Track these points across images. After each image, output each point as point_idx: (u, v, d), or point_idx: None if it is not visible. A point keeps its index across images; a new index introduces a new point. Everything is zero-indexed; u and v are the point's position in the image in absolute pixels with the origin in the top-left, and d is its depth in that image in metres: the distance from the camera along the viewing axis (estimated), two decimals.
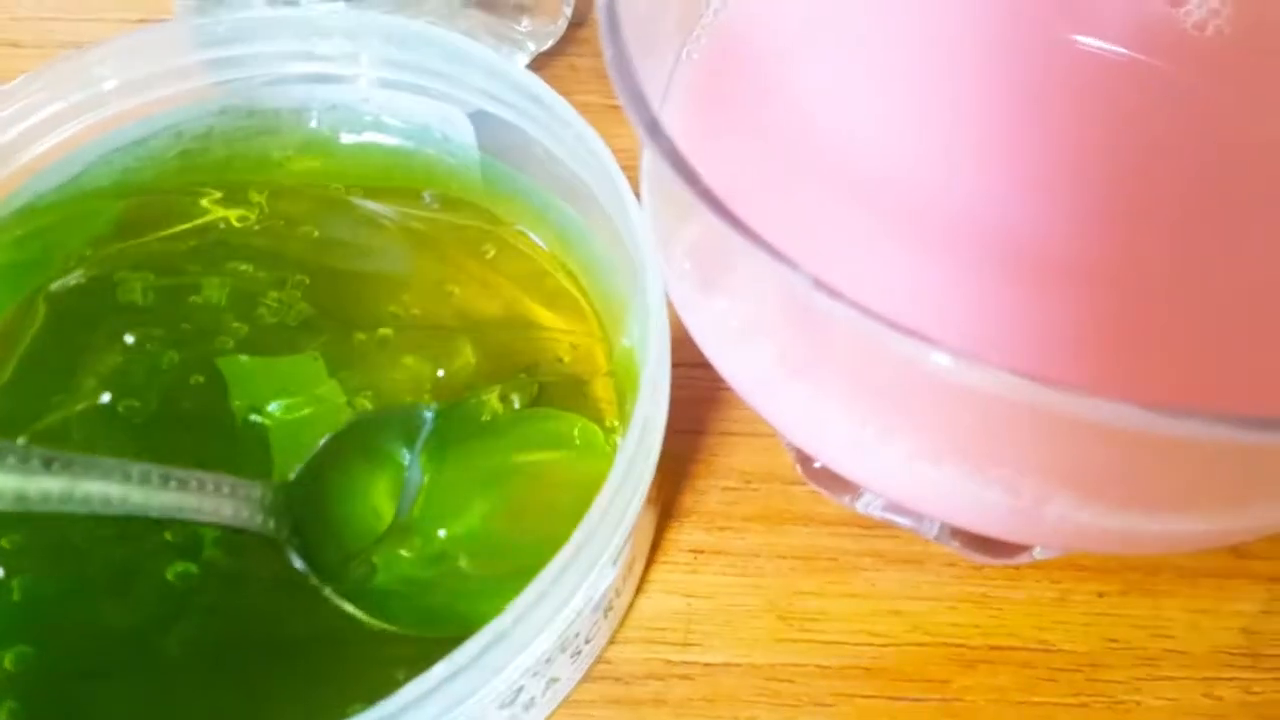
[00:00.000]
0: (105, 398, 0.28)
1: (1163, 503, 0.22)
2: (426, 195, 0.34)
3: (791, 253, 0.25)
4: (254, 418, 0.29)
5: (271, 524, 0.27)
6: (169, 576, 0.27)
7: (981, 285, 0.26)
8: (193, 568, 0.27)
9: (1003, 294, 0.26)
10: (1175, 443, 0.19)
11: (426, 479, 0.28)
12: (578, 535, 0.24)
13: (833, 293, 0.19)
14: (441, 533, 0.28)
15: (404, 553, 0.28)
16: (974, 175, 0.28)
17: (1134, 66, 0.30)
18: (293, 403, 0.29)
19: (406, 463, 0.29)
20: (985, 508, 0.23)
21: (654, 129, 0.20)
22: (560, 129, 0.30)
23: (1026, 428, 0.21)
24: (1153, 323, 0.25)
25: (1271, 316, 0.25)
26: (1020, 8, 0.31)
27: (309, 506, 0.28)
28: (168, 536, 0.27)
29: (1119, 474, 0.22)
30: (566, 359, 0.31)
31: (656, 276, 0.27)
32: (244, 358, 0.29)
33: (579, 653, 0.27)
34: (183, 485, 0.25)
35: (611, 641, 0.30)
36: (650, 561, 0.31)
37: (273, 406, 0.29)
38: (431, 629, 0.26)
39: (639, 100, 0.20)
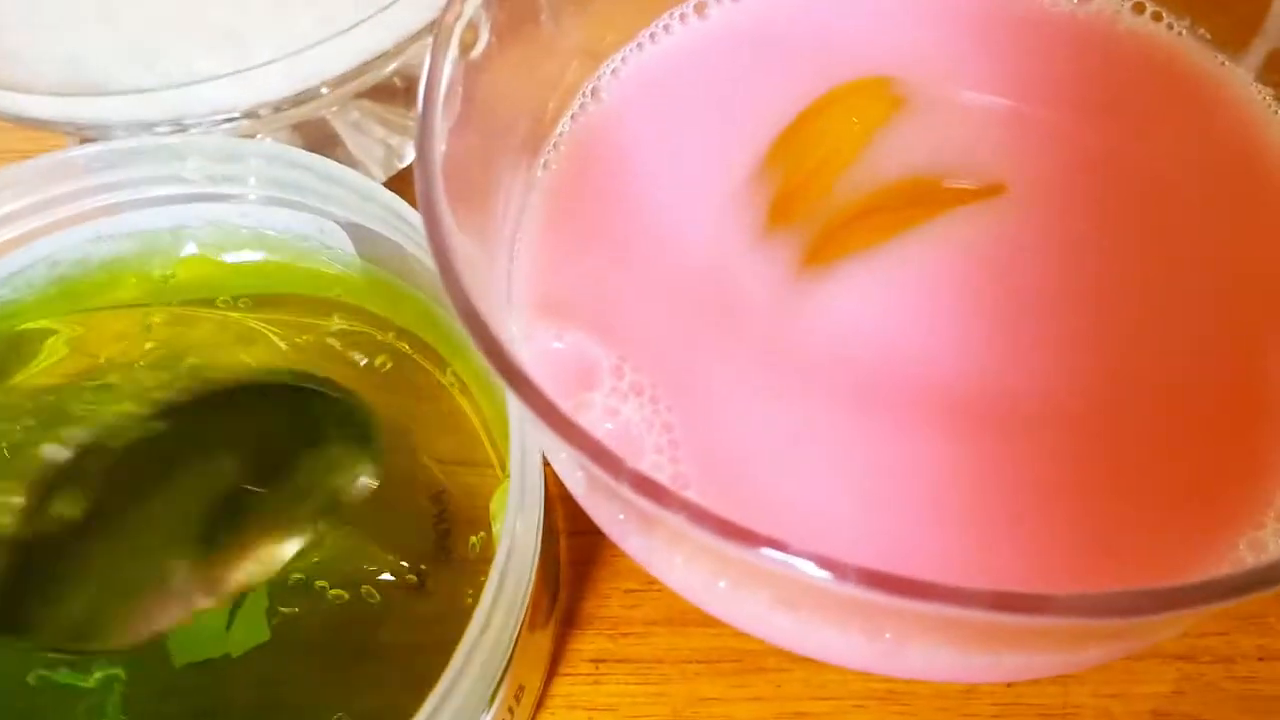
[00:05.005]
0: None
1: (1031, 645, 0.22)
2: (316, 303, 0.33)
3: (646, 363, 0.25)
4: None
5: None
6: None
7: (840, 418, 0.25)
8: None
9: (855, 426, 0.25)
10: None
11: None
12: (440, 687, 0.24)
13: (655, 493, 0.18)
14: None
15: None
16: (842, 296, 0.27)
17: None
18: None
19: None
20: (848, 652, 0.23)
21: (471, 320, 0.20)
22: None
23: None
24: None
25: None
26: None
27: None
28: None
29: (973, 628, 0.21)
30: (463, 481, 0.30)
31: None
32: None
33: None
34: None
35: None
36: (551, 675, 0.31)
37: None
38: None
39: (456, 287, 0.20)
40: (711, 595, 0.23)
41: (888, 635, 0.22)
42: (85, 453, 0.29)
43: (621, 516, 0.23)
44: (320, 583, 0.29)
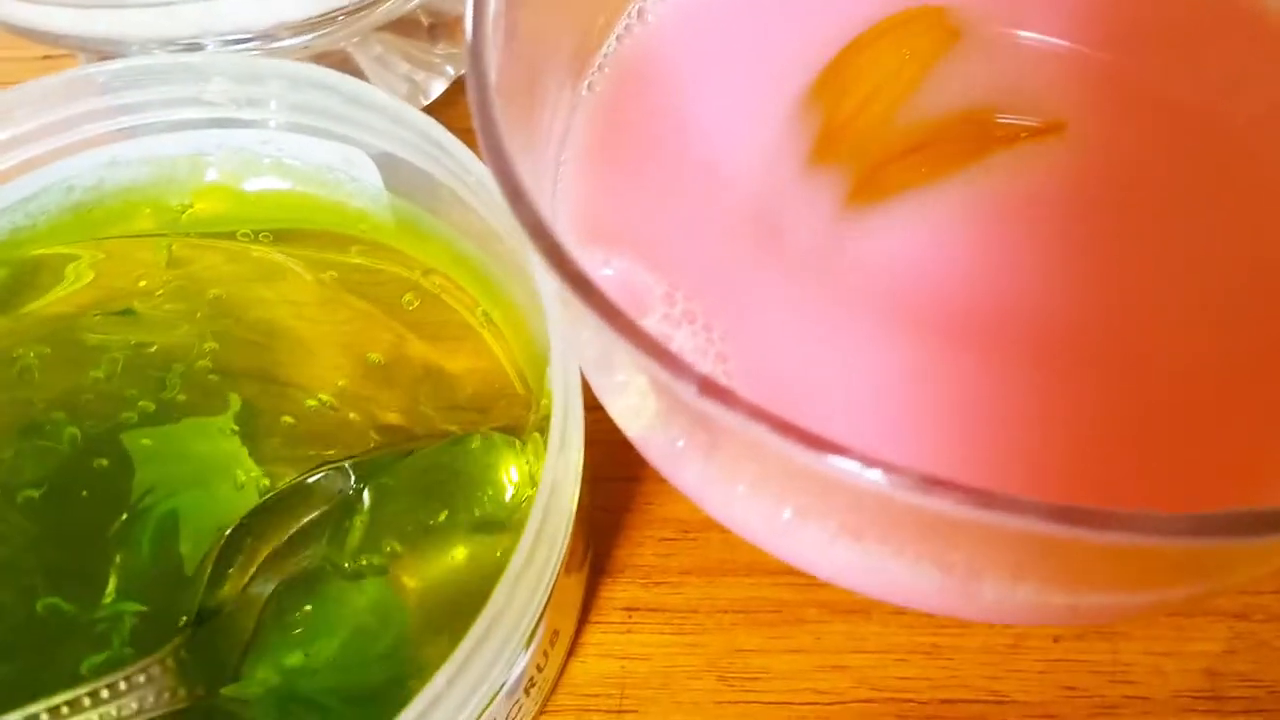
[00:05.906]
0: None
1: (1110, 581, 0.21)
2: (340, 239, 0.32)
3: (697, 291, 0.24)
4: (161, 506, 0.27)
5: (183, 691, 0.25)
6: None
7: (892, 352, 0.24)
8: None
9: (905, 351, 0.24)
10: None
11: None
12: (479, 626, 0.22)
13: (723, 398, 0.17)
14: None
15: None
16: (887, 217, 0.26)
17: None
18: (204, 493, 0.27)
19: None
20: (914, 586, 0.21)
21: (538, 232, 0.18)
22: (464, 174, 0.28)
23: (946, 520, 0.19)
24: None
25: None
26: None
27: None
28: None
29: (1055, 557, 0.20)
30: (491, 423, 0.29)
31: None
32: (146, 440, 0.27)
33: None
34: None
35: (541, 711, 0.28)
36: (583, 622, 0.30)
37: (182, 494, 0.27)
38: None
39: (522, 203, 0.19)
40: (773, 528, 0.22)
41: (958, 569, 0.21)
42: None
43: (681, 443, 0.21)
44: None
